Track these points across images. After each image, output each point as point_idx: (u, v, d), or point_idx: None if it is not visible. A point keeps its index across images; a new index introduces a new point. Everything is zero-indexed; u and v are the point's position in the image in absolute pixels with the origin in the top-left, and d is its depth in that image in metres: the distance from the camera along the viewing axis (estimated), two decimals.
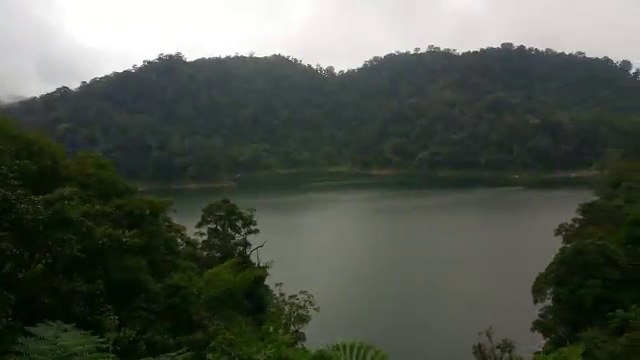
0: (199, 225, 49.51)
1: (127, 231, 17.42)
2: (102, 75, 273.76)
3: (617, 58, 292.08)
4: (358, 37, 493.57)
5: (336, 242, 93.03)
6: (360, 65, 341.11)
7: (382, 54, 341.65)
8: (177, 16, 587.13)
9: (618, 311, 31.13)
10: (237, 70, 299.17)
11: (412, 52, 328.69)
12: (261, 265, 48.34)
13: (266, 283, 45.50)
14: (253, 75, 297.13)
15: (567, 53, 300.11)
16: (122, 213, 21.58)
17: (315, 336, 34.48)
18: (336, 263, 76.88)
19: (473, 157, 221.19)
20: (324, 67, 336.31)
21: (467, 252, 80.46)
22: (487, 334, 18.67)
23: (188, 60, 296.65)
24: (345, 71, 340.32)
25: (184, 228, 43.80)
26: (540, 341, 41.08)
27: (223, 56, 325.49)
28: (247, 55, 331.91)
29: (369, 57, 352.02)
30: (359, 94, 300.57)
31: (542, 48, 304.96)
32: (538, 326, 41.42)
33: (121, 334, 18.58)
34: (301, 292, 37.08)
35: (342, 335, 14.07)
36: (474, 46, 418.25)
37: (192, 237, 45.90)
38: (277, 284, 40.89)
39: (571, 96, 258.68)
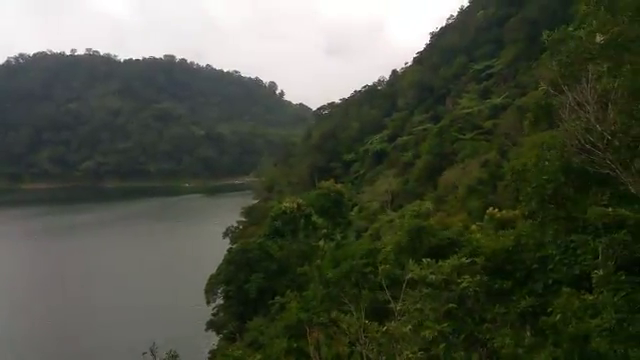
0: None
1: None
2: None
3: (266, 79, 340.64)
4: None
5: None
6: (1, 62, 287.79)
7: (30, 52, 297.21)
8: None
9: (277, 298, 35.79)
10: None
11: (68, 53, 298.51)
12: None
13: None
14: None
15: (225, 70, 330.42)
16: None
17: None
18: None
19: (142, 166, 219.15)
20: None
21: (139, 267, 77.66)
22: (151, 352, 18.04)
23: None
24: None
25: None
26: (215, 339, 43.41)
27: None
28: None
29: (13, 54, 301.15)
30: (1, 95, 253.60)
31: (203, 63, 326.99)
32: (212, 325, 43.81)
33: None
34: None
35: None
36: (135, 54, 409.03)
37: None
38: None
39: (230, 110, 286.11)
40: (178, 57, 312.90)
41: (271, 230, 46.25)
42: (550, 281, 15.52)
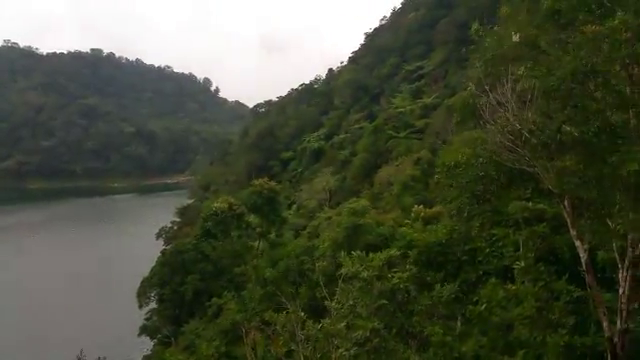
0: None
1: None
2: None
3: (200, 75, 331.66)
4: None
5: None
6: None
7: None
8: None
9: (214, 299, 35.12)
10: None
11: None
12: None
13: None
14: None
15: (156, 66, 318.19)
16: None
17: None
18: None
19: (67, 166, 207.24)
20: None
21: (66, 271, 73.07)
22: None
23: None
24: None
25: None
26: (149, 344, 41.95)
27: None
28: None
29: None
30: None
31: (132, 58, 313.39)
32: (145, 330, 42.25)
33: None
34: None
35: None
36: (57, 47, 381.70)
37: None
38: None
39: (163, 107, 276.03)
40: (106, 51, 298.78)
41: (202, 232, 45.33)
42: (480, 272, 16.30)
